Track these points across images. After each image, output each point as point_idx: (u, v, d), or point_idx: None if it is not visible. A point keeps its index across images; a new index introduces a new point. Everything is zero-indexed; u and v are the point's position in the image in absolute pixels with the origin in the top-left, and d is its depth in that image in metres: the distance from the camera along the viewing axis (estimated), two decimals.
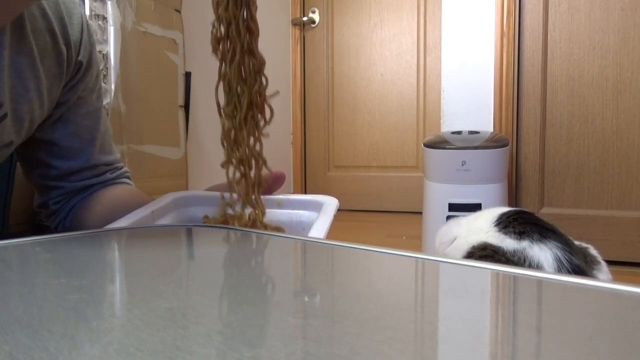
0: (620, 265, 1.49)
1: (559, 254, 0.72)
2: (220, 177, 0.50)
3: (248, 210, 0.47)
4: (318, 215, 0.45)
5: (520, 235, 0.76)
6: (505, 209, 0.86)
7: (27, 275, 0.27)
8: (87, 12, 1.23)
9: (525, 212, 0.83)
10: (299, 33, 2.61)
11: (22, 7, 0.47)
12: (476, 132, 1.55)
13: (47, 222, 0.63)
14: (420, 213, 1.58)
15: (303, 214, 0.50)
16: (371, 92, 2.50)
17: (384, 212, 2.46)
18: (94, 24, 1.18)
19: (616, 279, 0.83)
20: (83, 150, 0.60)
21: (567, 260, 0.72)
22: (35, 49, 0.51)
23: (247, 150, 0.45)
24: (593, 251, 0.82)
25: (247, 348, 0.16)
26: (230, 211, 0.47)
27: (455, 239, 0.88)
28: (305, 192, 2.66)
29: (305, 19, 2.59)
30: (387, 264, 0.30)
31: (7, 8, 0.44)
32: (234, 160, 0.45)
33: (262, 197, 0.47)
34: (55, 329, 0.18)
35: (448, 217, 1.38)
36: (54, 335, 0.17)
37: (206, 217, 0.50)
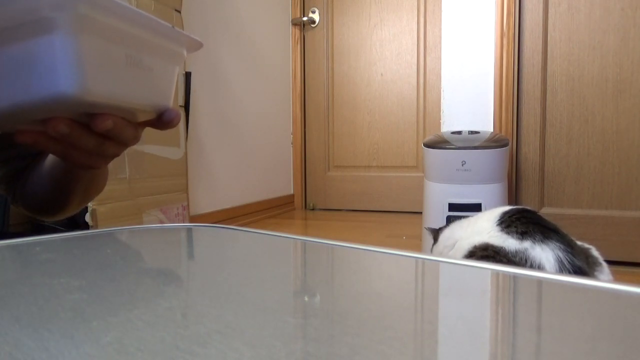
0: (620, 265, 1.49)
1: (560, 255, 0.72)
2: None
3: None
4: None
5: (522, 235, 0.75)
6: (508, 208, 0.85)
7: (27, 275, 0.27)
8: None
9: (528, 211, 0.82)
10: (299, 33, 2.61)
11: None
12: (476, 132, 1.54)
13: (6, 193, 0.62)
14: (420, 213, 1.58)
15: None
16: (371, 92, 2.50)
17: (384, 212, 2.46)
18: None
19: (616, 279, 0.83)
20: None
21: (568, 261, 0.72)
22: None
23: None
24: (595, 252, 0.81)
25: (247, 348, 0.16)
26: None
27: (457, 242, 0.88)
28: (305, 192, 2.66)
29: (305, 19, 2.59)
30: (387, 264, 0.30)
31: None
32: None
33: None
34: (55, 329, 0.18)
35: (448, 217, 1.38)
36: (54, 335, 0.17)
37: None
